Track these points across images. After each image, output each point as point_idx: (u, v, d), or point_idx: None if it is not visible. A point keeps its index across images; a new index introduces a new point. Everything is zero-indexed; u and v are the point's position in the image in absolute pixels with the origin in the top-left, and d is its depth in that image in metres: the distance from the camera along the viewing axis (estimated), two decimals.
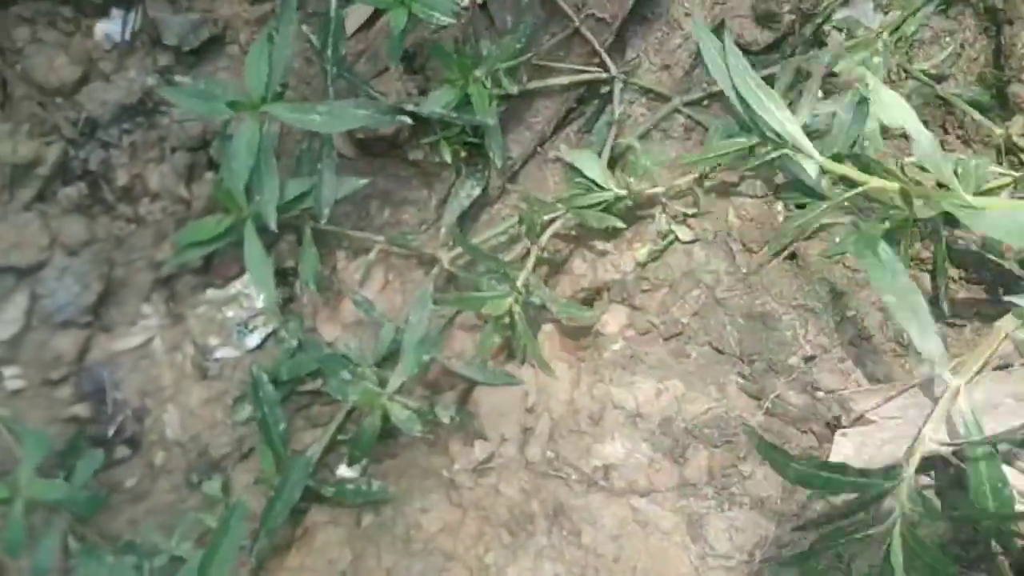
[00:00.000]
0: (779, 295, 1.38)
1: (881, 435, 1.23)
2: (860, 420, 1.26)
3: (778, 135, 1.27)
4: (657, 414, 1.34)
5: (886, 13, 1.53)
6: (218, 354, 1.49)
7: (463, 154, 1.53)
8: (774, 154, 1.31)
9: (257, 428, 1.39)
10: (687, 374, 1.37)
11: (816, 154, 1.27)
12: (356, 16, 1.55)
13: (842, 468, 1.14)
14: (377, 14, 1.55)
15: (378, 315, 1.46)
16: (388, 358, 1.44)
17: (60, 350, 1.43)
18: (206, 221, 1.42)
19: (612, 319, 1.44)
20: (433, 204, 1.56)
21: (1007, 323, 1.20)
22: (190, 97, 1.33)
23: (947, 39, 1.49)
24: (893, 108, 1.23)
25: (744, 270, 1.40)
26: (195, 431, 1.45)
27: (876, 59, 1.45)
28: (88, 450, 1.37)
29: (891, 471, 1.13)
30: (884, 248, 1.17)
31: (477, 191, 1.54)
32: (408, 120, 1.39)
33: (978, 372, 1.18)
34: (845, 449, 1.23)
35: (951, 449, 1.17)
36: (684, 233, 1.44)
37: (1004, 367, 1.23)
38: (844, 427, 1.26)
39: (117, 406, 1.45)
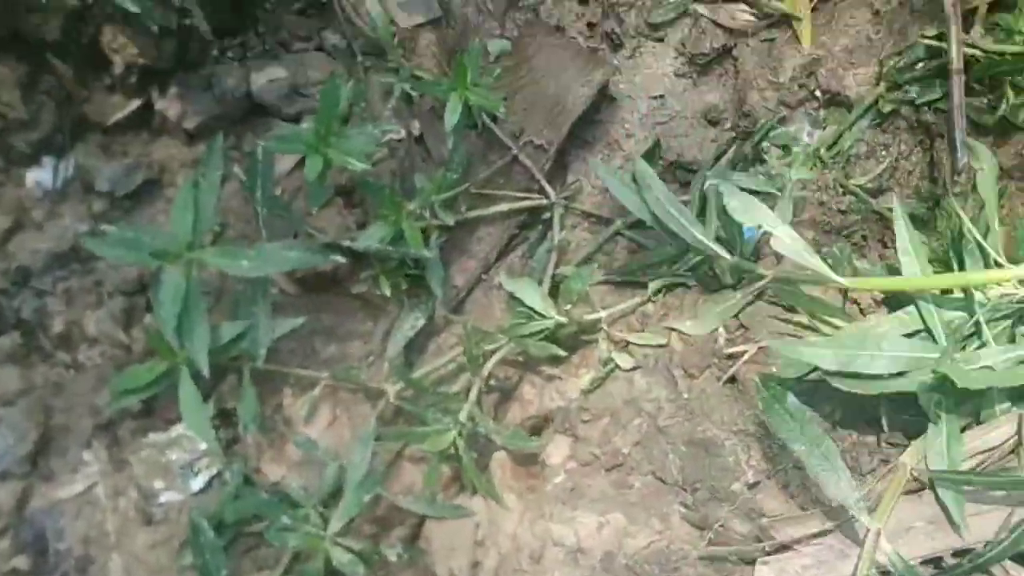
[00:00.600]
0: (720, 421, 1.35)
1: (800, 561, 1.23)
2: (780, 548, 1.24)
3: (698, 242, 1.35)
4: (598, 549, 1.31)
5: (823, 128, 1.53)
6: (163, 498, 1.47)
7: (405, 286, 1.52)
8: (697, 258, 1.43)
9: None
10: (629, 506, 1.34)
11: (726, 254, 1.36)
12: None
13: None
14: None
15: (322, 453, 1.44)
16: (334, 496, 1.42)
17: None
18: (142, 367, 1.40)
19: (555, 450, 1.41)
20: (378, 336, 1.55)
21: (909, 457, 1.26)
22: (115, 247, 1.32)
23: (883, 153, 1.48)
24: (790, 246, 1.26)
25: (686, 396, 1.38)
26: None
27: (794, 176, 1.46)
28: None
29: None
30: (792, 400, 1.21)
31: (421, 322, 1.53)
32: (341, 259, 1.38)
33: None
34: None
35: None
36: (625, 361, 1.42)
37: (914, 492, 1.25)
38: (766, 555, 1.25)
39: (59, 556, 1.43)
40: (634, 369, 1.42)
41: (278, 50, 1.61)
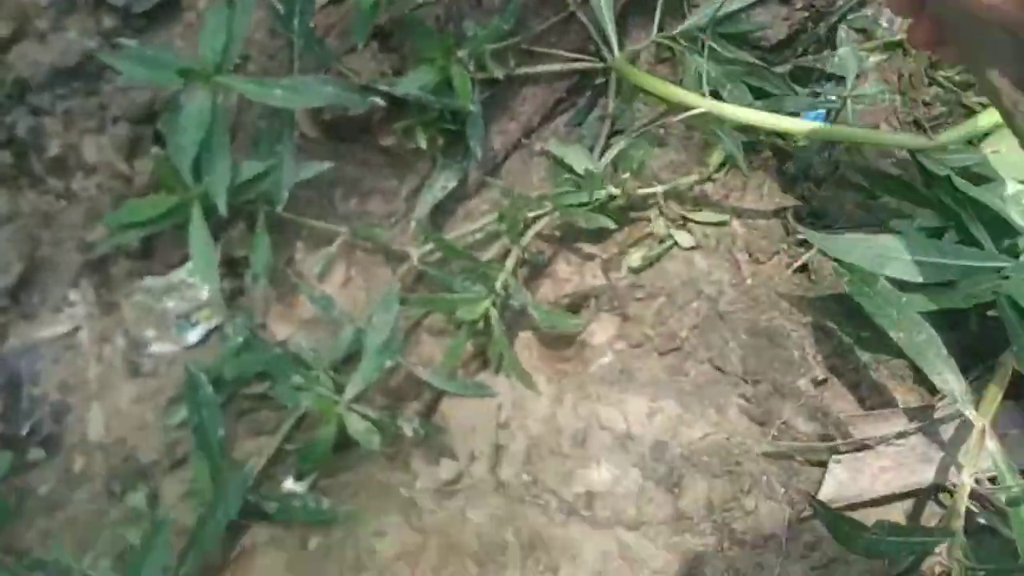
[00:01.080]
0: (788, 311, 1.25)
1: (878, 463, 1.15)
2: (855, 448, 1.15)
3: None
4: (649, 437, 1.20)
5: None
6: (153, 348, 1.33)
7: (440, 141, 1.39)
8: None
9: (192, 434, 1.22)
10: (683, 394, 1.23)
11: None
12: None
13: (904, 531, 1.07)
14: None
15: (337, 313, 1.31)
16: (346, 361, 1.29)
17: None
18: (147, 200, 1.26)
19: (601, 329, 1.30)
20: (404, 194, 1.41)
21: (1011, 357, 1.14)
22: (135, 63, 1.18)
23: None
24: None
25: (749, 282, 1.27)
26: (121, 433, 1.28)
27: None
28: None
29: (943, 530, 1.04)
30: (883, 284, 1.11)
31: (454, 183, 1.39)
32: (380, 101, 1.26)
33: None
34: (839, 476, 1.14)
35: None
36: (684, 239, 1.31)
37: (1011, 398, 1.16)
38: (840, 453, 1.16)
39: (33, 402, 1.29)
40: (694, 248, 1.31)
41: None
